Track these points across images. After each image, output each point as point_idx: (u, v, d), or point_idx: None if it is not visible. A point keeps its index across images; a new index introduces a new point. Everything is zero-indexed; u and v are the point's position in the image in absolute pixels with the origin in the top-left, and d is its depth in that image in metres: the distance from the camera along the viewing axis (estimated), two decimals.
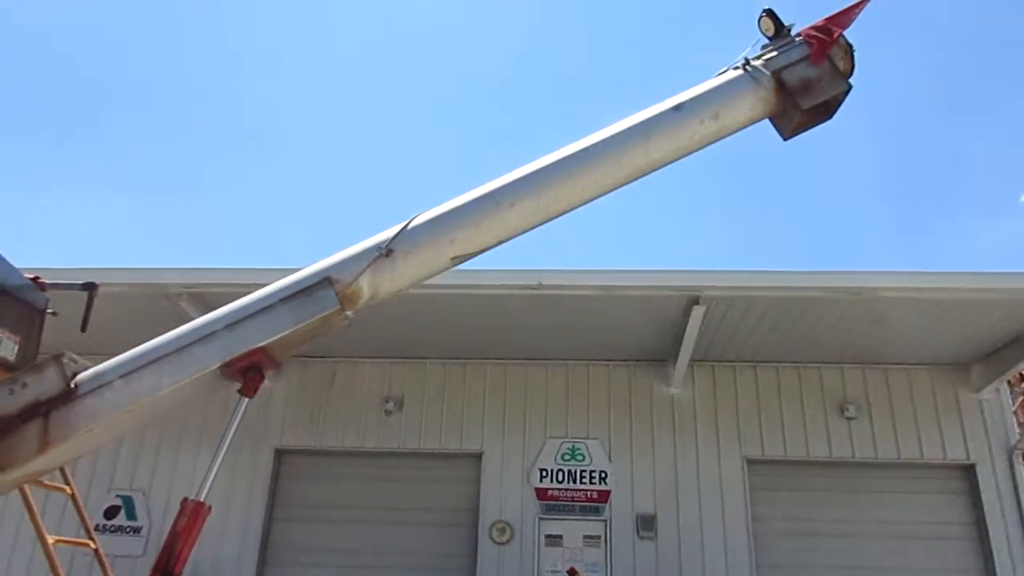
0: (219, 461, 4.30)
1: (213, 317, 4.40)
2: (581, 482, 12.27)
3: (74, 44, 29.29)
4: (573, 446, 12.50)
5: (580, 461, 12.39)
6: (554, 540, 12.00)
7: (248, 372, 4.28)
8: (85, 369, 4.30)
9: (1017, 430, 12.68)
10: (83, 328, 5.86)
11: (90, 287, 6.05)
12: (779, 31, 4.82)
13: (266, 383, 13.78)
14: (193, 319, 11.95)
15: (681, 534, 11.84)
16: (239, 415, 4.32)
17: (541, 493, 12.25)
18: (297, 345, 4.42)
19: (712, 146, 4.82)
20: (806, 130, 4.87)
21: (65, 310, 5.72)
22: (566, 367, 12.95)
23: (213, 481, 4.30)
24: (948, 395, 12.41)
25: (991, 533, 11.58)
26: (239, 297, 12.34)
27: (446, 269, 4.58)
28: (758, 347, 12.22)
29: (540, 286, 10.46)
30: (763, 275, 10.53)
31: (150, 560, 12.82)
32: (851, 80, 4.75)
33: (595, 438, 12.53)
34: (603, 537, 11.97)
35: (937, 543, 11.83)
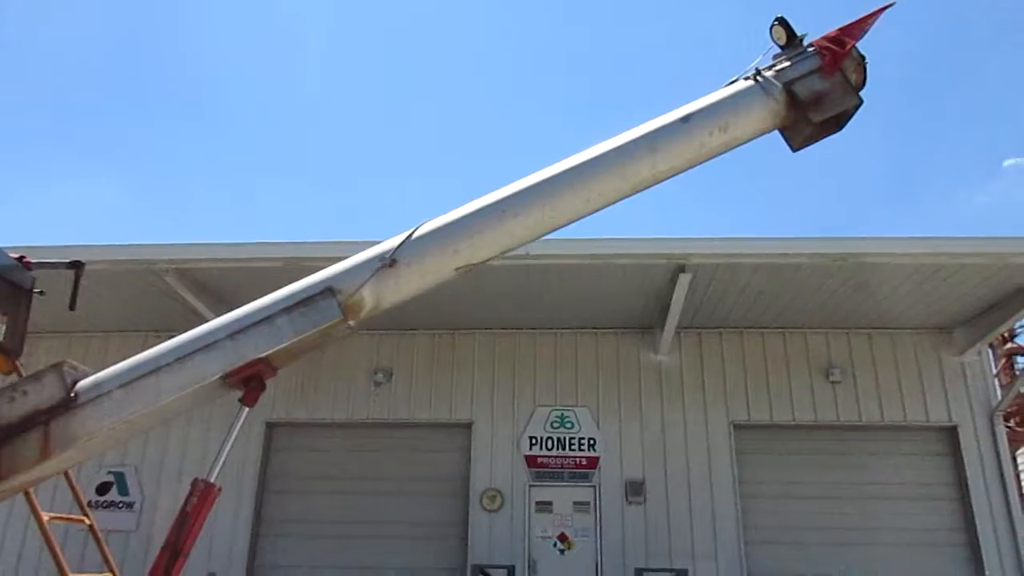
0: (228, 448, 4.32)
1: (214, 326, 4.35)
2: (570, 449, 12.40)
3: (63, 23, 28.80)
4: (562, 414, 12.62)
5: (569, 429, 12.51)
6: (544, 506, 12.16)
7: (250, 381, 4.26)
8: (85, 376, 4.26)
9: (999, 392, 12.88)
10: (71, 306, 5.83)
11: (76, 265, 6.00)
12: (791, 40, 4.73)
13: None
14: (180, 295, 11.91)
15: (669, 498, 12.02)
16: (239, 423, 4.32)
17: (531, 461, 12.38)
18: (299, 354, 4.36)
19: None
20: (815, 142, 4.80)
21: (52, 289, 5.70)
22: (554, 336, 13.03)
23: (224, 464, 4.32)
24: (931, 358, 12.58)
25: (972, 493, 11.83)
26: (226, 273, 12.23)
27: (450, 279, 4.52)
28: (744, 313, 12.32)
29: (528, 256, 10.46)
30: (748, 242, 10.60)
31: (143, 534, 12.98)
32: (863, 93, 4.66)
33: (584, 406, 12.65)
34: (592, 503, 12.13)
35: (920, 503, 12.06)
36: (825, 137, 4.76)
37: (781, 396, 12.53)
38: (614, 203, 4.66)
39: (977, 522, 11.68)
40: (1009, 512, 11.70)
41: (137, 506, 12.33)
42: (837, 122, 4.69)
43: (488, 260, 4.50)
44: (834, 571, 11.65)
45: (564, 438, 12.48)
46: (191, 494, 4.15)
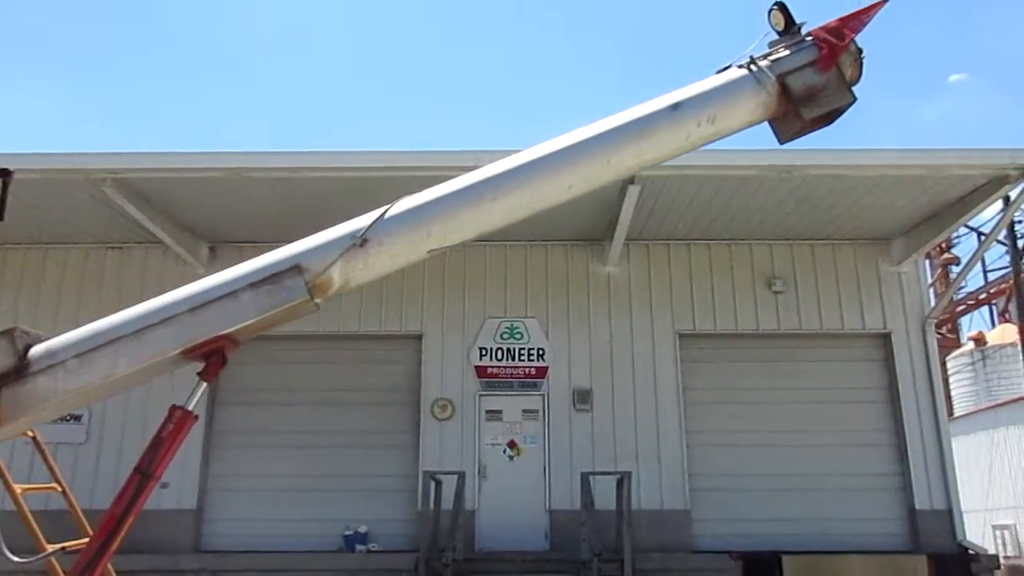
0: (200, 390, 4.25)
1: (175, 299, 4.16)
2: (520, 359, 12.61)
3: None
4: (512, 325, 12.77)
5: (519, 339, 12.69)
6: (494, 415, 12.44)
7: (210, 356, 4.14)
8: (38, 341, 4.08)
9: (932, 301, 13.39)
10: None
11: (4, 173, 5.77)
12: (789, 27, 4.53)
13: (201, 270, 13.59)
14: (120, 206, 11.60)
15: (615, 406, 12.37)
16: (197, 396, 4.24)
17: (481, 371, 12.57)
18: (263, 330, 4.23)
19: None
20: (803, 135, 4.64)
21: None
22: (504, 248, 13.04)
23: (201, 394, 4.26)
24: (869, 268, 12.95)
25: (902, 396, 12.40)
26: (168, 184, 11.91)
27: (421, 260, 4.41)
28: (691, 225, 12.46)
29: (477, 168, 10.37)
30: (697, 154, 10.52)
31: (94, 446, 12.93)
32: (857, 89, 4.51)
33: (533, 317, 12.80)
34: (541, 411, 12.44)
35: (853, 406, 12.62)
36: (815, 130, 4.61)
37: (725, 306, 12.83)
38: (594, 188, 4.55)
39: (905, 423, 12.29)
40: (935, 413, 12.33)
41: (85, 419, 12.24)
42: (828, 116, 4.55)
43: (461, 243, 4.37)
44: (772, 471, 12.23)
45: (514, 349, 12.66)
46: (168, 420, 4.10)
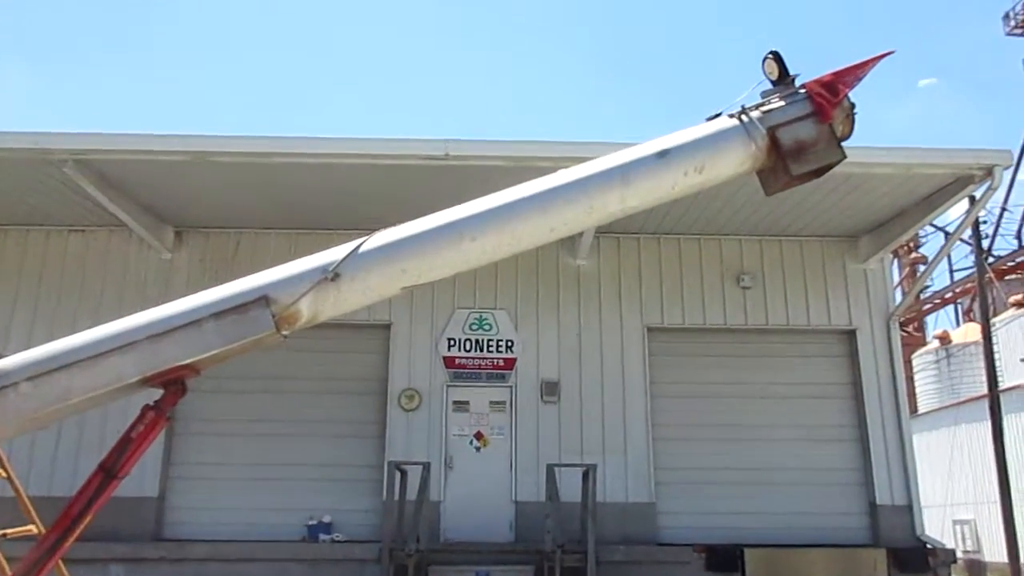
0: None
1: (134, 324, 4.05)
2: (488, 351, 12.57)
3: None
4: (481, 316, 12.72)
5: (487, 331, 12.65)
6: (461, 406, 12.40)
7: (170, 384, 4.06)
8: None
9: (899, 298, 13.53)
10: None
11: None
12: (783, 78, 4.48)
13: (166, 255, 13.27)
14: (82, 188, 11.34)
15: (583, 398, 12.37)
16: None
17: (449, 361, 12.52)
18: (225, 359, 4.12)
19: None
20: (791, 188, 4.60)
21: None
22: None
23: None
24: (836, 265, 13.06)
25: (865, 392, 12.54)
26: (131, 166, 11.68)
27: (393, 296, 4.38)
28: (662, 219, 12.47)
29: (447, 156, 10.31)
30: None
31: (52, 433, 12.59)
32: (847, 145, 4.49)
33: (502, 308, 12.76)
34: (508, 402, 12.42)
35: (818, 401, 12.75)
36: (802, 183, 4.52)
37: (694, 300, 12.88)
38: (574, 232, 4.49)
39: (868, 419, 12.43)
40: (897, 410, 12.46)
41: None
42: (816, 172, 4.48)
43: (435, 280, 4.35)
44: (736, 465, 12.32)
45: (482, 340, 12.62)
46: (139, 420, 3.99)
